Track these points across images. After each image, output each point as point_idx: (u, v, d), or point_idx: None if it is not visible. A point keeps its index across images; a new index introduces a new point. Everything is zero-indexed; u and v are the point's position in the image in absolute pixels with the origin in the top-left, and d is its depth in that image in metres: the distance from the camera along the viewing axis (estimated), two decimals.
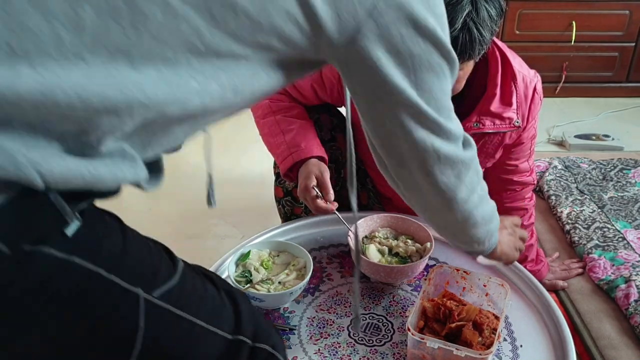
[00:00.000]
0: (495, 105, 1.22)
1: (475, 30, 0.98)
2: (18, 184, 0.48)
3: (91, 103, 0.49)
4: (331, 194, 1.16)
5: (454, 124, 0.75)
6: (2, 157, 0.47)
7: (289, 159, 1.21)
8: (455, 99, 1.17)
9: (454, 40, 0.99)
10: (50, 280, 0.51)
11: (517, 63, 1.24)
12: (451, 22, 0.97)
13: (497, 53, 1.21)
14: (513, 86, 1.22)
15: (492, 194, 1.41)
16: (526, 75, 1.24)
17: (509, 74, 1.22)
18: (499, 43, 1.22)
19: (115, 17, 0.49)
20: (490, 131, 1.24)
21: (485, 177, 1.39)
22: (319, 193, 1.16)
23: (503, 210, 1.41)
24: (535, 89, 1.25)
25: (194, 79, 0.54)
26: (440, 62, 0.66)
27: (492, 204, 0.94)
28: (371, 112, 0.71)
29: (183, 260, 0.67)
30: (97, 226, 0.56)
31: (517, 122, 1.24)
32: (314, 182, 1.16)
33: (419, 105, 0.67)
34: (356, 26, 0.59)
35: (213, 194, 0.87)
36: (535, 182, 1.46)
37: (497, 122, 1.23)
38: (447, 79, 0.69)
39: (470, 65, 1.09)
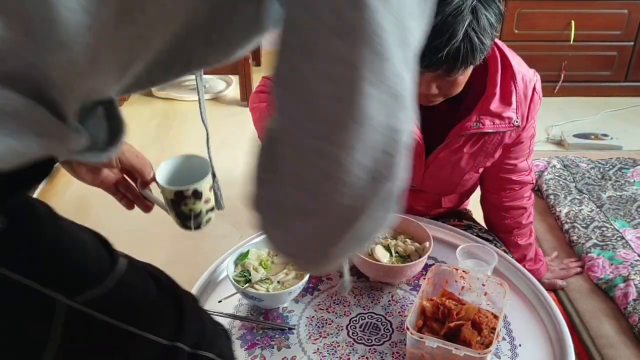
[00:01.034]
0: (495, 105, 1.22)
1: (476, 39, 1.00)
2: None
3: None
4: None
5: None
6: None
7: None
8: (455, 99, 1.18)
9: (456, 50, 1.01)
10: None
11: (517, 62, 1.24)
12: (453, 34, 0.99)
13: (497, 52, 1.21)
14: (512, 85, 1.22)
15: (491, 193, 1.43)
16: (525, 74, 1.24)
17: (509, 74, 1.22)
18: (499, 42, 1.22)
19: None
20: (490, 130, 1.24)
21: (484, 176, 1.41)
22: None
23: (502, 209, 1.43)
24: (534, 89, 1.26)
25: None
26: None
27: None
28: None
29: (128, 257, 0.61)
30: (24, 226, 0.49)
31: (517, 121, 1.24)
32: None
33: None
34: None
35: (220, 195, 0.86)
36: (534, 181, 1.46)
37: (497, 121, 1.23)
38: None
39: (469, 70, 1.11)
